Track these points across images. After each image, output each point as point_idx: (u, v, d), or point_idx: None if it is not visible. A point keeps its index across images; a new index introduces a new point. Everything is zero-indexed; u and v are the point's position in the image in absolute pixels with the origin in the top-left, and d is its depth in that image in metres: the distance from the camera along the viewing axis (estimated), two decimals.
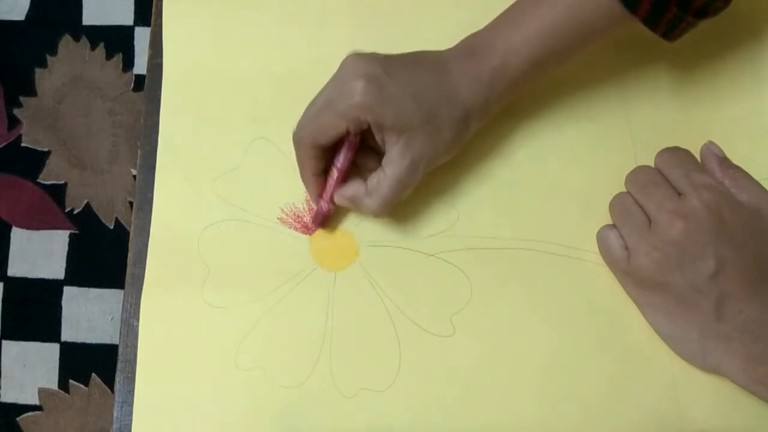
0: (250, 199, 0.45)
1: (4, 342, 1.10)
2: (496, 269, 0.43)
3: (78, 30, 1.20)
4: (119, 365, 0.42)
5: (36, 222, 1.13)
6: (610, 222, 0.42)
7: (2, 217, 1.14)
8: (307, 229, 0.44)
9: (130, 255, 0.44)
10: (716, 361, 0.39)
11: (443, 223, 0.44)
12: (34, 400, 1.08)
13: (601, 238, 0.42)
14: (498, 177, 0.45)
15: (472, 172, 0.45)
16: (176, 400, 0.41)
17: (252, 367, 0.41)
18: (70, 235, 1.13)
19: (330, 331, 0.42)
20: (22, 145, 1.16)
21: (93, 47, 1.19)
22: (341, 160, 0.41)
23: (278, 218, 0.44)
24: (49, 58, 1.19)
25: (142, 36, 1.20)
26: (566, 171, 0.45)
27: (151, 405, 0.41)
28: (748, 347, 0.37)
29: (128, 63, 1.18)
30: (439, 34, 0.43)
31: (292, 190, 0.45)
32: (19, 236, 1.13)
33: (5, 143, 1.16)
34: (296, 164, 0.42)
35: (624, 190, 0.41)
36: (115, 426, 0.41)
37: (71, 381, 1.08)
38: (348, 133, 0.40)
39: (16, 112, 1.17)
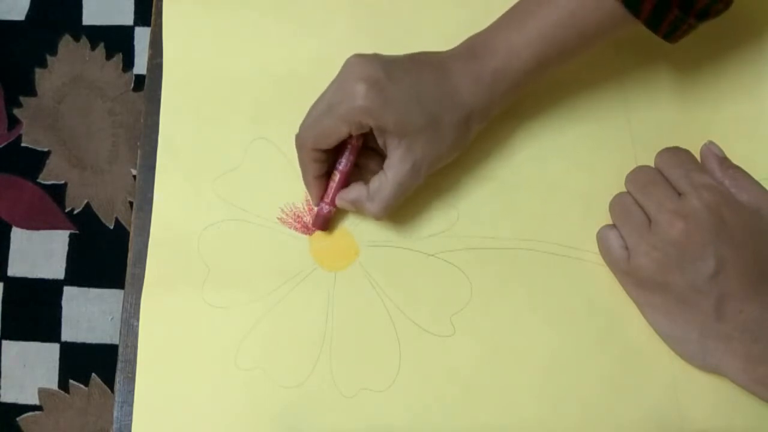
0: (250, 199, 0.45)
1: (4, 342, 1.10)
2: (496, 269, 0.43)
3: (78, 30, 1.20)
4: (119, 365, 0.42)
5: (36, 222, 1.13)
6: (610, 222, 0.42)
7: (2, 217, 1.14)
8: (307, 229, 0.44)
9: (130, 255, 0.44)
10: (716, 361, 0.39)
11: (443, 223, 0.44)
12: (34, 400, 1.08)
13: (601, 238, 0.42)
14: (498, 177, 0.45)
15: (472, 172, 0.45)
16: (176, 400, 0.41)
17: (252, 367, 0.41)
18: (70, 235, 1.13)
19: (330, 331, 0.42)
20: (22, 145, 1.16)
21: (93, 47, 1.19)
22: (343, 163, 0.41)
23: (278, 218, 0.44)
24: (49, 58, 1.19)
25: (142, 36, 1.20)
26: (566, 171, 0.45)
27: (151, 405, 0.41)
28: (748, 347, 0.37)
29: (128, 63, 1.18)
30: (439, 34, 0.43)
31: (292, 190, 0.45)
32: (19, 236, 1.13)
33: (5, 143, 1.16)
34: (297, 164, 0.43)
35: (624, 190, 0.41)
36: (115, 426, 0.41)
37: (71, 381, 1.08)
38: (350, 136, 0.40)
39: (16, 112, 1.17)
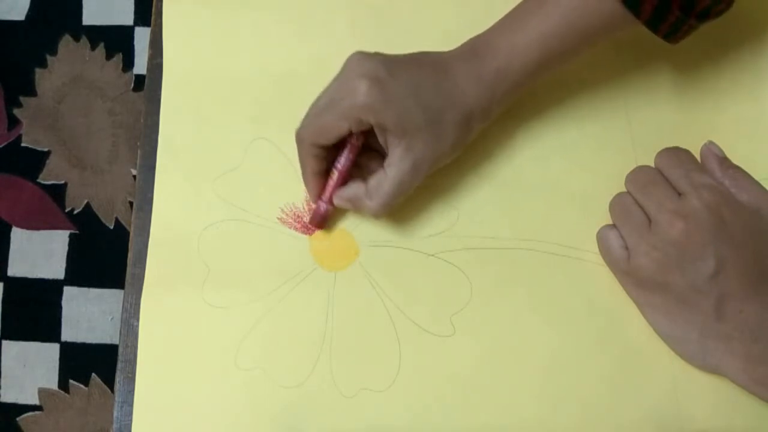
0: (250, 199, 0.45)
1: (4, 342, 1.10)
2: (496, 269, 0.43)
3: (78, 30, 1.20)
4: (119, 365, 0.42)
5: (36, 222, 1.13)
6: (610, 222, 0.42)
7: (2, 217, 1.14)
8: (307, 229, 0.44)
9: (130, 255, 0.44)
10: (716, 361, 0.39)
11: (443, 223, 0.44)
12: (34, 400, 1.08)
13: (601, 238, 0.42)
14: (498, 177, 0.45)
15: (473, 172, 0.45)
16: (176, 400, 0.41)
17: (252, 367, 0.41)
18: (70, 235, 1.13)
19: (330, 331, 0.42)
20: (22, 145, 1.16)
21: (93, 47, 1.19)
22: (342, 162, 0.41)
23: (278, 218, 0.44)
24: (49, 58, 1.19)
25: (142, 36, 1.20)
26: (566, 171, 0.45)
27: (151, 405, 0.41)
28: (748, 347, 0.37)
29: (128, 63, 1.18)
30: (440, 34, 0.43)
31: (292, 190, 0.45)
32: (19, 236, 1.13)
33: (5, 143, 1.16)
34: (297, 165, 0.43)
35: (624, 190, 0.41)
36: (115, 426, 0.41)
37: (71, 381, 1.08)
38: (350, 134, 0.40)
39: (16, 112, 1.17)
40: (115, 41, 1.19)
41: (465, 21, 0.43)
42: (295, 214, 0.44)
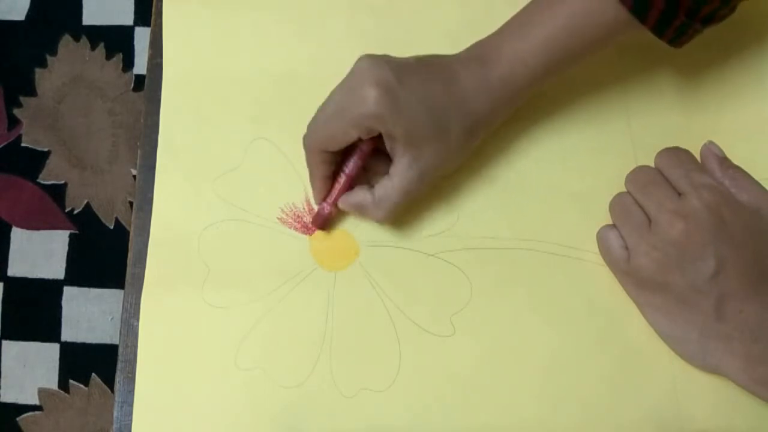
0: (250, 199, 0.45)
1: (4, 342, 1.10)
2: (496, 269, 0.43)
3: (78, 30, 1.20)
4: (119, 365, 0.42)
5: (36, 222, 1.13)
6: (610, 222, 0.42)
7: (2, 217, 1.14)
8: (307, 229, 0.44)
9: (130, 255, 0.44)
10: (716, 361, 0.39)
11: (443, 223, 0.44)
12: (34, 400, 1.08)
13: (601, 238, 0.42)
14: (498, 177, 0.45)
15: (473, 173, 0.45)
16: (176, 400, 0.41)
17: (252, 367, 0.41)
18: (70, 235, 1.13)
19: (330, 331, 0.42)
20: (22, 145, 1.16)
21: (93, 47, 1.19)
22: (350, 167, 0.41)
23: (278, 218, 0.44)
24: (49, 58, 1.19)
25: (142, 36, 1.20)
26: (566, 172, 0.45)
27: (151, 405, 0.41)
28: (748, 347, 0.37)
29: (128, 63, 1.18)
30: (440, 34, 0.43)
31: (292, 190, 0.45)
32: (19, 236, 1.13)
33: (5, 143, 1.16)
34: (297, 165, 0.43)
35: (624, 190, 0.41)
36: (115, 426, 0.41)
37: (71, 381, 1.08)
38: (359, 140, 0.40)
39: (16, 112, 1.17)
40: (115, 41, 1.19)
41: (465, 21, 0.43)
42: (295, 214, 0.44)
